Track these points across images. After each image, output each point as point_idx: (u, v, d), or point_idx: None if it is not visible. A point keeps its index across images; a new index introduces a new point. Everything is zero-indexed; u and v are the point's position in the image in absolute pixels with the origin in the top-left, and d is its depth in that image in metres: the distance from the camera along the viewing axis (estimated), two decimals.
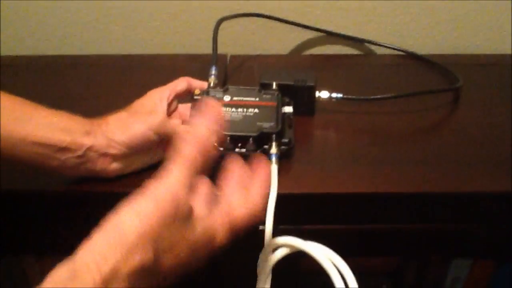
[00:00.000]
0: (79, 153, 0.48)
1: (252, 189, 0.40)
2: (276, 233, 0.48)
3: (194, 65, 0.73)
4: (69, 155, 0.48)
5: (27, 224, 0.56)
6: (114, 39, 0.80)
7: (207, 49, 0.67)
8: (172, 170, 0.35)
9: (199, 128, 0.37)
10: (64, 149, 0.47)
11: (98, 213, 0.53)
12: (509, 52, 0.79)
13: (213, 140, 0.37)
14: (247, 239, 0.45)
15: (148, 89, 0.56)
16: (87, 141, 0.48)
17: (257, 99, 0.57)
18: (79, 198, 0.53)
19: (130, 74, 0.74)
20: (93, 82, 0.72)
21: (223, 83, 0.71)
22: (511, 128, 0.61)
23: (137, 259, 0.31)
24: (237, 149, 0.54)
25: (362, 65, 0.75)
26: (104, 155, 0.49)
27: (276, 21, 0.75)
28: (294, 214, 0.53)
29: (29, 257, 0.69)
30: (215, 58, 0.62)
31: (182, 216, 0.34)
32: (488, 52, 0.79)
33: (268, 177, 0.43)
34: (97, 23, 0.79)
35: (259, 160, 0.42)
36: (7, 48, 0.80)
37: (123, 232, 0.32)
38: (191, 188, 0.36)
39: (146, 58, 0.78)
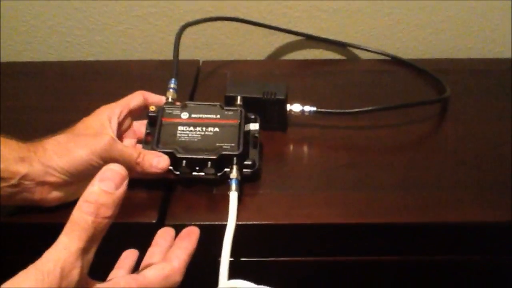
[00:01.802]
0: (13, 182, 0.43)
1: (172, 255, 0.39)
2: (236, 266, 0.43)
3: (164, 73, 0.68)
4: (2, 184, 0.43)
5: None
6: (78, 44, 0.75)
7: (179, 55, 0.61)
8: (61, 238, 0.32)
9: (92, 190, 0.33)
10: None
11: (41, 245, 0.49)
12: (508, 56, 0.73)
13: (108, 202, 0.33)
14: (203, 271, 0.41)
15: (113, 98, 0.51)
16: (21, 169, 0.43)
17: (218, 116, 0.51)
18: (18, 230, 0.48)
19: (95, 82, 0.69)
20: (54, 91, 0.66)
21: (192, 91, 0.66)
22: (506, 145, 0.55)
23: None
24: (194, 173, 0.49)
25: (344, 71, 0.70)
26: (42, 183, 0.44)
27: (251, 25, 0.69)
28: (257, 245, 0.48)
29: None
30: (176, 69, 0.56)
31: (69, 284, 0.31)
32: (481, 56, 0.73)
33: (192, 247, 0.41)
34: (60, 27, 0.73)
35: (190, 231, 0.42)
36: None
37: None
38: (84, 254, 0.32)
39: (112, 64, 0.73)
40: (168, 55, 0.75)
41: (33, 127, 0.59)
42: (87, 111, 0.50)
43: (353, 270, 0.50)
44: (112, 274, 0.41)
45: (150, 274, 0.37)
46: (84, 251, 0.32)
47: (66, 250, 0.31)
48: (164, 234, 0.43)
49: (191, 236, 0.42)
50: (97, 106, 0.51)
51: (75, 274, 0.31)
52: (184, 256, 0.39)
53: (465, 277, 0.51)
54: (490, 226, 0.47)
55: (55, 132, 0.47)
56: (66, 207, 0.47)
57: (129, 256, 0.43)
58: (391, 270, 0.50)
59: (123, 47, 0.75)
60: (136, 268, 0.42)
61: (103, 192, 0.32)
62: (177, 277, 0.38)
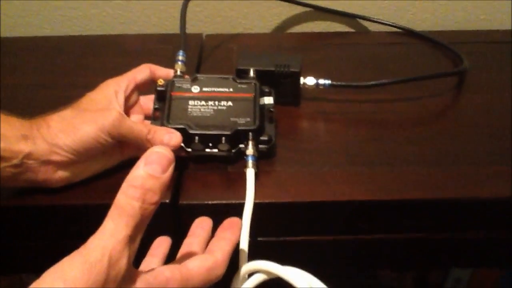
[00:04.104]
0: (15, 161, 0.40)
1: (215, 247, 0.37)
2: (255, 247, 0.41)
3: (166, 47, 0.65)
4: (4, 164, 0.40)
5: None
6: (74, 18, 0.71)
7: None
8: (107, 225, 0.29)
9: (138, 174, 0.30)
10: None
11: (45, 227, 0.46)
12: None
13: (155, 187, 0.30)
14: None
15: (113, 74, 0.48)
16: (24, 147, 0.40)
17: (231, 89, 0.48)
18: (21, 213, 0.45)
19: (94, 57, 0.65)
20: (51, 67, 0.63)
21: (197, 66, 0.63)
22: None
23: None
24: (208, 150, 0.46)
25: (355, 44, 0.67)
26: (46, 162, 0.41)
27: None
28: (276, 224, 0.46)
29: None
30: (184, 41, 0.53)
31: (117, 274, 0.29)
32: (497, 28, 0.70)
33: (236, 239, 0.39)
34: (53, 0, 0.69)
35: (232, 222, 0.40)
36: None
37: None
38: (130, 242, 0.30)
39: (111, 39, 0.69)
40: (167, 29, 0.72)
41: (32, 105, 0.55)
42: (88, 88, 0.47)
43: (377, 248, 0.48)
44: (146, 262, 0.39)
45: (193, 265, 0.35)
46: (131, 239, 0.30)
47: (113, 238, 0.29)
48: (202, 224, 0.41)
49: (233, 227, 0.39)
50: (98, 82, 0.48)
51: (122, 264, 0.29)
52: (228, 248, 0.37)
53: (492, 253, 0.49)
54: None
55: (56, 109, 0.44)
56: (72, 188, 0.44)
57: (162, 244, 0.41)
58: (417, 248, 0.48)
59: (121, 20, 0.71)
60: (169, 256, 0.41)
61: (150, 176, 0.30)
62: (220, 270, 0.36)
